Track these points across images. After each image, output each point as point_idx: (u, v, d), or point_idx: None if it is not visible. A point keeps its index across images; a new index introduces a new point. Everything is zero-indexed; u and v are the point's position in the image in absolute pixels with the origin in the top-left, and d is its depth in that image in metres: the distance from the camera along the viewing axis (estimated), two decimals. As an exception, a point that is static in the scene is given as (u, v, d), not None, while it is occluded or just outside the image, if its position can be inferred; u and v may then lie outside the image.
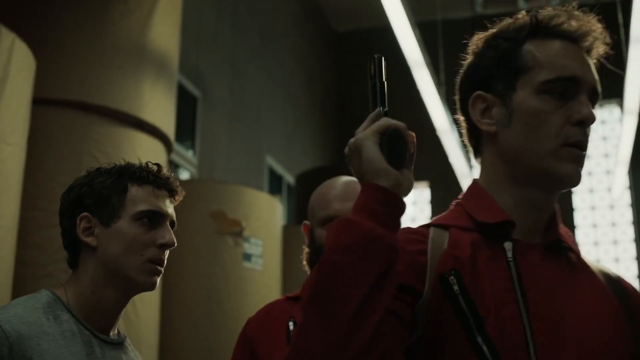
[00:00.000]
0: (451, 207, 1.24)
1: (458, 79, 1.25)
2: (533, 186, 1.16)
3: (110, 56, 3.70)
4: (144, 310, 3.59)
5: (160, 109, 3.96)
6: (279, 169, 10.49)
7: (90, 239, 1.48)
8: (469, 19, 10.19)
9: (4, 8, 3.50)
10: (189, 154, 8.09)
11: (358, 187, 1.09)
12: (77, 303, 1.45)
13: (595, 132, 13.51)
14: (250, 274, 4.76)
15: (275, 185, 10.42)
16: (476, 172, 1.26)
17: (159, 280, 1.51)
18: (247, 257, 4.77)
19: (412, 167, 1.09)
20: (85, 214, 1.49)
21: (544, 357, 1.05)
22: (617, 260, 12.88)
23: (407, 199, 1.07)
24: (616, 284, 1.21)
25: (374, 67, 1.13)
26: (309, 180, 8.59)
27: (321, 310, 0.95)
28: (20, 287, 3.09)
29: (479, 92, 1.19)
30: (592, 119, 1.13)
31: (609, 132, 13.00)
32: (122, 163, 1.55)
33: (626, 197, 12.94)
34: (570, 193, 13.02)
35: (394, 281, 1.00)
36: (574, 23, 1.16)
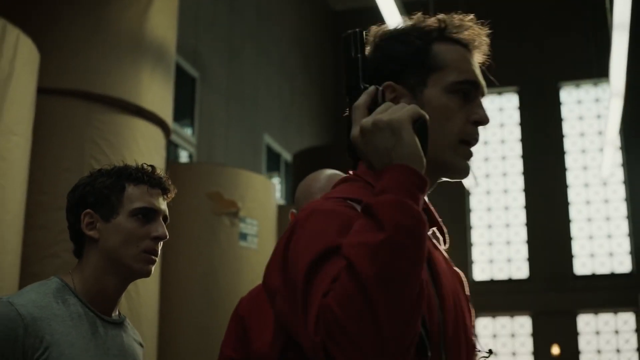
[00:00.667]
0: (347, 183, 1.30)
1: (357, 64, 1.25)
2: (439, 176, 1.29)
3: (110, 47, 3.87)
4: (144, 288, 3.79)
5: (158, 96, 4.14)
6: (277, 147, 10.64)
7: (92, 233, 1.69)
8: (463, -1, 10.27)
9: (8, 4, 3.67)
10: (188, 133, 8.26)
11: None
12: (82, 288, 1.67)
13: (590, 110, 13.63)
14: (246, 253, 4.96)
15: (273, 163, 10.59)
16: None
17: (153, 268, 1.71)
18: (243, 236, 4.97)
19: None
20: (88, 210, 1.69)
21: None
22: (609, 236, 13.06)
23: None
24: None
25: (356, 42, 1.18)
26: (306, 159, 8.77)
27: (389, 289, 1.00)
28: (27, 267, 3.30)
29: (389, 82, 1.28)
30: (487, 121, 1.29)
31: (602, 110, 13.11)
32: (121, 164, 1.75)
33: (619, 175, 13.08)
34: (564, 170, 13.19)
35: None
36: (472, 33, 1.32)
